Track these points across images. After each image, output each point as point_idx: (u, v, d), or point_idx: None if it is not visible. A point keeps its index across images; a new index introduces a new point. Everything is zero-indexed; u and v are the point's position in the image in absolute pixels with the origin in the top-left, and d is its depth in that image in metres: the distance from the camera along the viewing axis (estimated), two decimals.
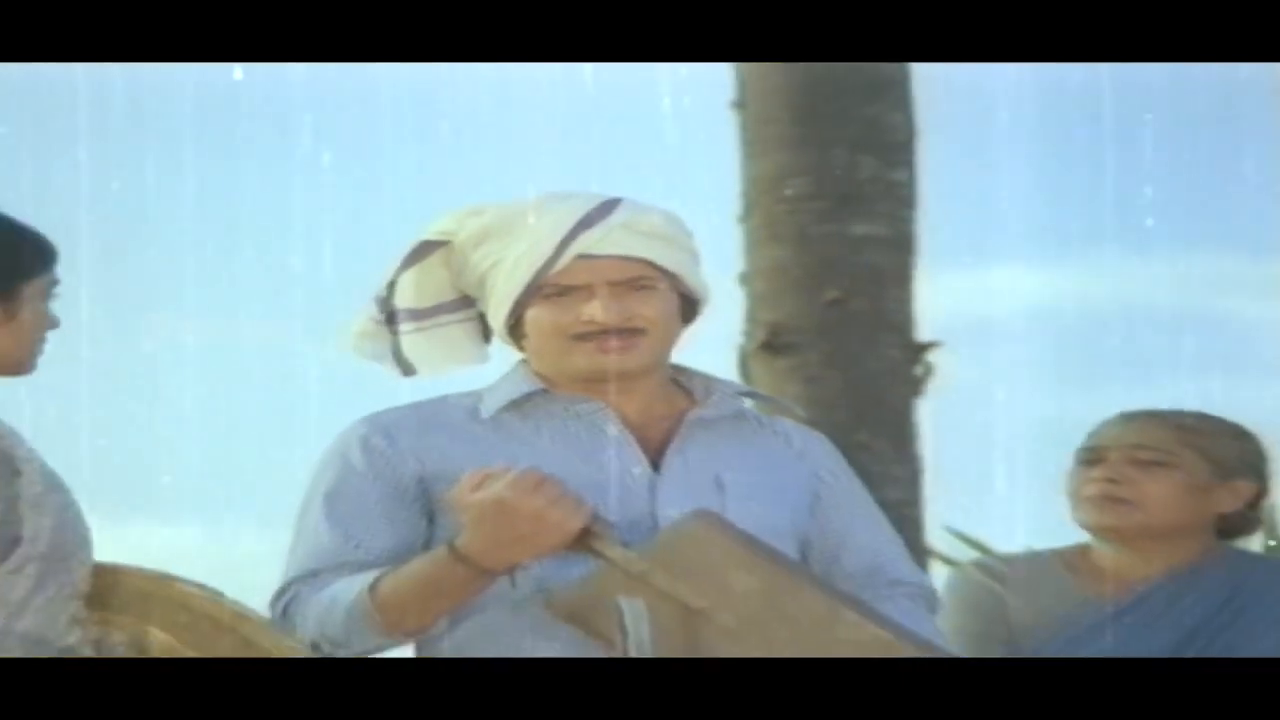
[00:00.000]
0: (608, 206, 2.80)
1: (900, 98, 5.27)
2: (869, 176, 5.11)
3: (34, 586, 2.57)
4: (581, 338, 2.74)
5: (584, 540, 2.61)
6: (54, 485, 2.62)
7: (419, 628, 2.70)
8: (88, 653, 2.62)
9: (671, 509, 2.73)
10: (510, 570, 2.62)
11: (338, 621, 2.68)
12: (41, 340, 2.66)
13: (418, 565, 2.68)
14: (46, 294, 2.65)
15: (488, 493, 2.57)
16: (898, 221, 5.16)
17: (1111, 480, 3.23)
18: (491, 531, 2.59)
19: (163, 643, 2.62)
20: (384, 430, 2.81)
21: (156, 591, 2.66)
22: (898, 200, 5.16)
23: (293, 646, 2.64)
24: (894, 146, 5.19)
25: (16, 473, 2.59)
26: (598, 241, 2.76)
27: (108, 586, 2.65)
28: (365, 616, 2.66)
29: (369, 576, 2.68)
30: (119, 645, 2.62)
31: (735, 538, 2.70)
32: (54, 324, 2.67)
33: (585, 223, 2.76)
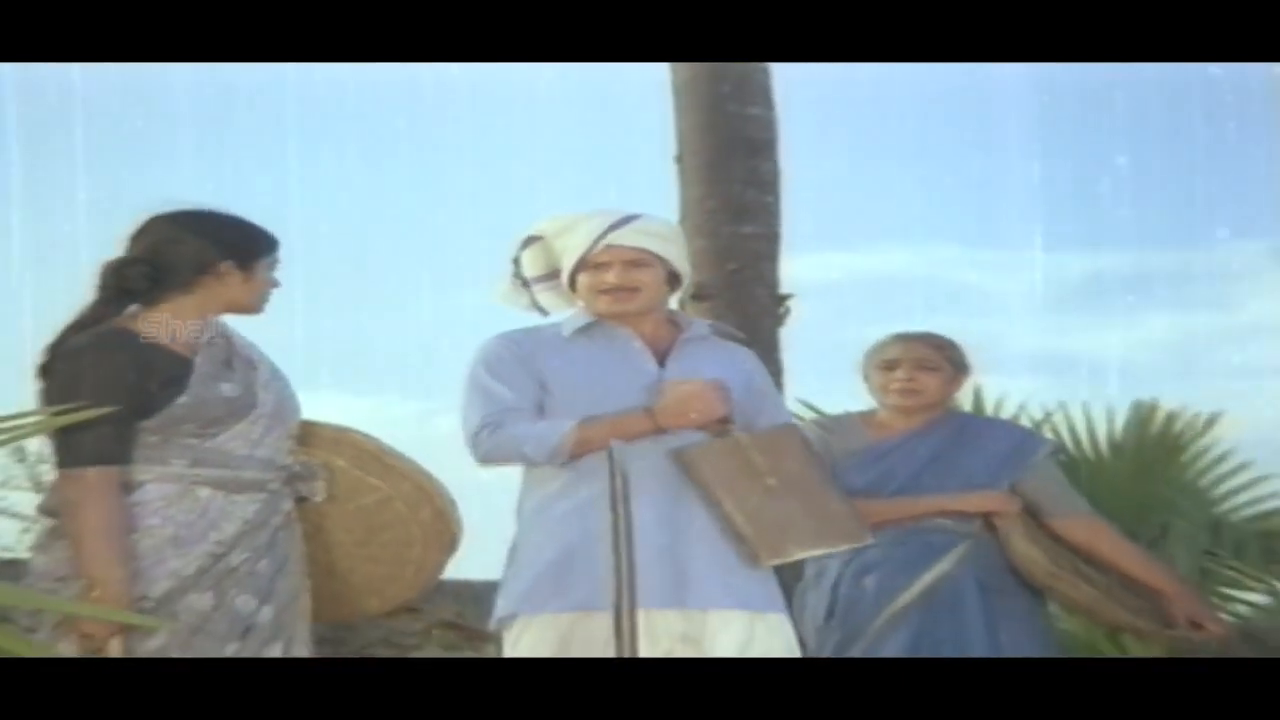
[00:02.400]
0: (629, 218, 2.94)
1: (771, 154, 5.40)
2: (752, 200, 5.33)
3: (264, 432, 2.65)
4: (604, 292, 2.93)
5: (719, 423, 2.86)
6: (276, 374, 2.73)
7: (587, 452, 2.82)
8: (297, 470, 2.68)
9: None
10: (664, 430, 2.84)
11: (546, 442, 2.84)
12: (269, 294, 2.74)
13: (615, 416, 2.85)
14: (272, 266, 2.72)
15: (693, 383, 2.84)
16: (769, 226, 5.37)
17: (909, 379, 3.42)
18: (681, 404, 2.81)
19: (342, 467, 2.71)
20: (511, 340, 2.99)
21: (339, 437, 2.75)
22: (769, 214, 5.37)
23: (411, 467, 2.75)
24: (766, 183, 5.37)
25: (253, 367, 2.69)
26: (619, 237, 2.91)
27: (310, 434, 2.74)
28: (566, 441, 2.82)
29: (573, 420, 2.84)
30: (318, 467, 2.69)
31: (803, 442, 2.96)
32: (276, 284, 2.75)
33: (613, 227, 2.92)
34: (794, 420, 3.17)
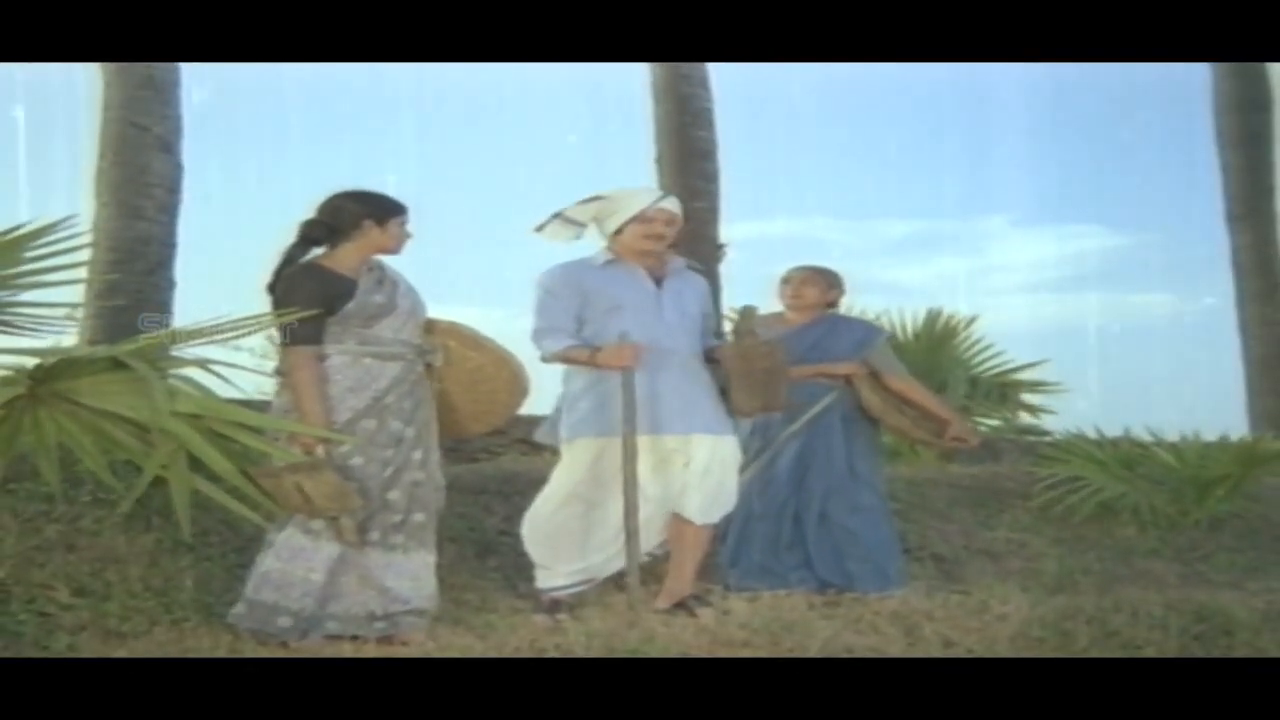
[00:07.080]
0: (665, 195, 2.74)
1: (713, 159, 5.22)
2: (701, 187, 5.14)
3: (402, 324, 2.44)
4: (648, 237, 2.66)
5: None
6: (410, 289, 2.49)
7: (566, 363, 2.65)
8: (424, 348, 2.43)
9: (667, 307, 2.68)
10: (600, 366, 2.59)
11: (549, 351, 2.62)
12: (404, 242, 2.45)
13: (581, 351, 2.63)
14: (403, 224, 2.43)
15: (622, 347, 2.57)
16: (712, 202, 5.19)
17: (797, 291, 3.11)
18: (609, 356, 2.58)
19: (452, 346, 2.49)
20: (563, 268, 2.69)
21: (450, 328, 2.52)
22: (712, 196, 5.20)
23: (495, 346, 2.50)
24: (710, 177, 5.21)
25: (395, 284, 2.45)
26: (664, 204, 2.70)
27: (432, 325, 2.51)
28: (554, 356, 2.64)
29: (570, 340, 2.61)
30: (437, 346, 2.47)
31: (785, 351, 2.71)
32: (410, 235, 2.46)
33: (659, 199, 2.71)
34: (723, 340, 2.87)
